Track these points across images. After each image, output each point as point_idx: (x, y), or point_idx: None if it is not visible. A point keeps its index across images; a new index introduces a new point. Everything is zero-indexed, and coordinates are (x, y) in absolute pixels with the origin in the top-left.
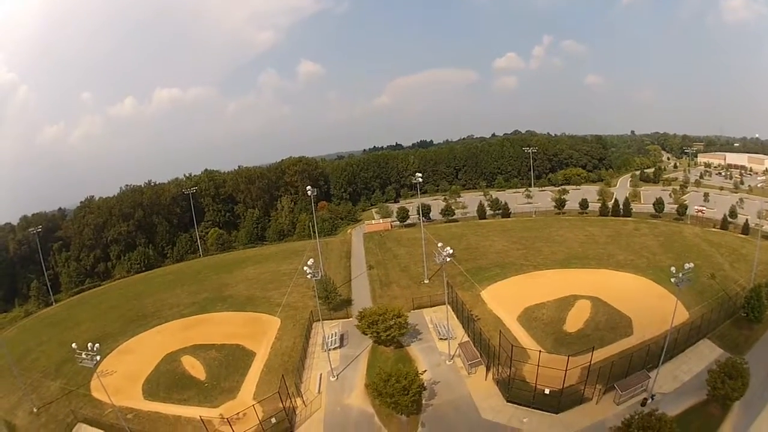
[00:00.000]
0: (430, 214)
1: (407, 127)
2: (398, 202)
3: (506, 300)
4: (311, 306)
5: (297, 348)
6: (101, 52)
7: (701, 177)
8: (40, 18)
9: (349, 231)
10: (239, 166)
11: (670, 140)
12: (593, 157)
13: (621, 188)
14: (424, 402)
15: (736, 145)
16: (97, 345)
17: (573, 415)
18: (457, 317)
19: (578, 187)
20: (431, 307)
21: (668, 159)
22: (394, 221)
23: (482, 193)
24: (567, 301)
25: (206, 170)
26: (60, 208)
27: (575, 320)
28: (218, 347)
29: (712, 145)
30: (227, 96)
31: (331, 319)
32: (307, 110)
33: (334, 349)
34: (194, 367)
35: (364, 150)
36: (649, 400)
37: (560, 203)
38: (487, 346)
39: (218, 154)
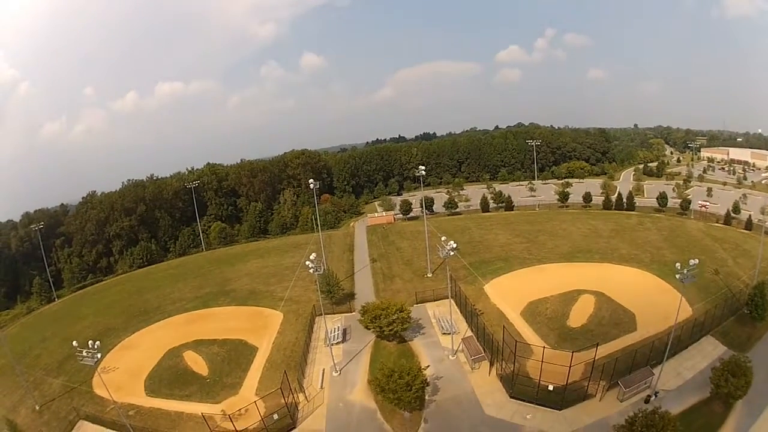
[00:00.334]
0: (434, 207)
1: (410, 120)
2: (401, 194)
3: (510, 294)
4: (314, 300)
5: (299, 343)
6: (102, 47)
7: (704, 172)
8: (40, 14)
9: (352, 224)
10: (242, 160)
11: (674, 134)
12: (596, 150)
13: (624, 182)
14: (427, 398)
15: (739, 140)
16: (97, 343)
17: (576, 412)
18: (461, 311)
19: (581, 180)
20: (434, 301)
21: (671, 153)
22: (397, 214)
23: (485, 186)
24: (571, 296)
25: (209, 164)
26: (62, 204)
27: (579, 315)
28: (220, 342)
29: (715, 139)
30: (230, 89)
31: (334, 314)
32: (309, 103)
33: (336, 343)
34: (196, 363)
35: (367, 142)
36: (653, 397)
37: (563, 196)
38: (491, 341)
39: (221, 147)
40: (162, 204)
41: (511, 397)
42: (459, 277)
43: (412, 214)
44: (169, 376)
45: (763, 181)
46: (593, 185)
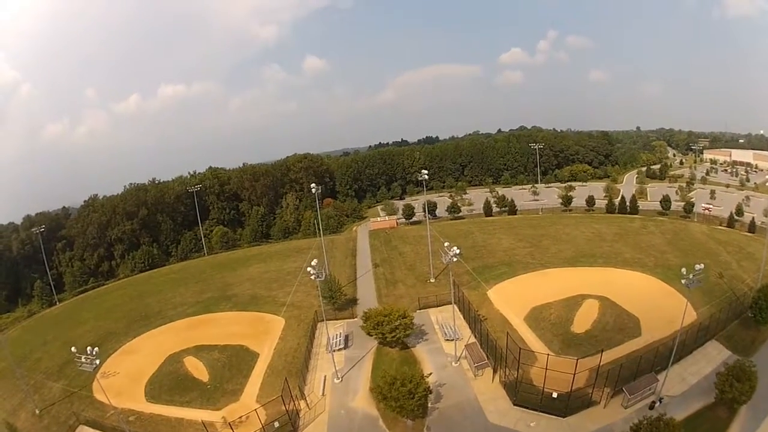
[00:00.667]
0: (436, 212)
1: (413, 123)
2: (404, 199)
3: (513, 299)
4: (316, 305)
5: (301, 349)
6: (104, 48)
7: (707, 174)
8: (41, 15)
9: (354, 228)
10: (244, 164)
11: (676, 136)
12: (599, 153)
13: (627, 185)
14: (429, 405)
15: (741, 141)
16: (96, 349)
17: (580, 419)
18: (464, 317)
19: (584, 183)
20: (437, 306)
21: (674, 155)
22: (400, 218)
23: (488, 190)
24: (574, 301)
25: (211, 168)
26: (64, 207)
27: (583, 321)
28: (221, 348)
29: (718, 141)
30: (231, 91)
31: (336, 320)
32: (311, 106)
33: (338, 350)
34: (197, 369)
35: (370, 146)
36: (657, 403)
37: (567, 200)
38: (494, 348)
39: (223, 149)
40: (164, 208)
41: (515, 405)
42: (462, 282)
43: (414, 219)
44: (170, 382)
45: (766, 183)
46: (596, 188)
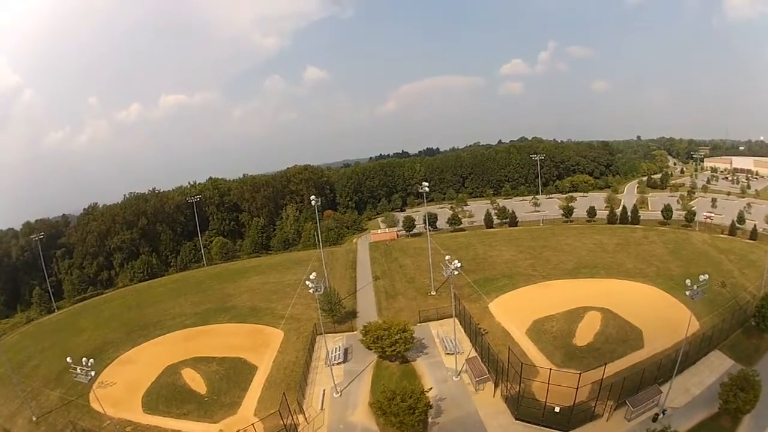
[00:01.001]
0: (437, 224)
1: (413, 135)
2: (404, 210)
3: (515, 312)
4: (315, 318)
5: (300, 362)
6: (107, 57)
7: (708, 182)
8: (45, 20)
9: (354, 240)
10: (244, 174)
11: (676, 145)
12: (600, 164)
13: (628, 195)
14: (430, 420)
15: (741, 148)
16: (91, 360)
17: None
18: (465, 330)
19: (585, 194)
20: (438, 320)
21: (674, 164)
22: (400, 230)
23: (489, 201)
24: (576, 313)
25: (211, 178)
26: (63, 215)
27: (585, 333)
28: (219, 360)
29: (718, 149)
30: (232, 102)
31: (335, 333)
32: (313, 117)
33: (337, 363)
34: (195, 380)
35: (371, 158)
36: (661, 416)
37: (568, 211)
38: (496, 362)
39: (223, 159)
40: (163, 218)
41: (516, 419)
42: (463, 295)
43: (415, 231)
44: (167, 393)
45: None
46: (597, 199)
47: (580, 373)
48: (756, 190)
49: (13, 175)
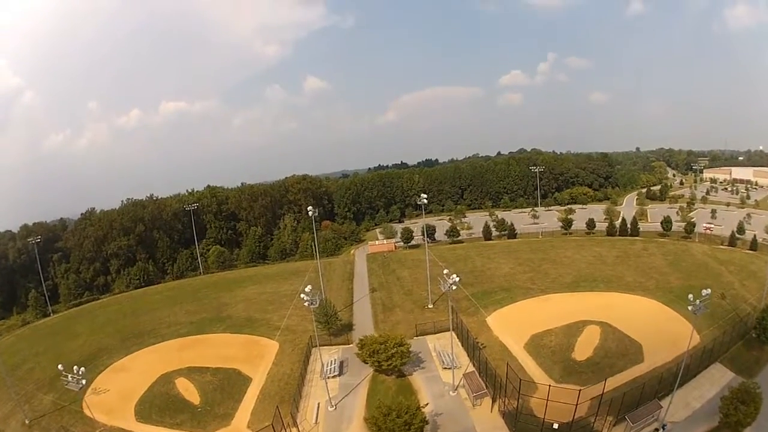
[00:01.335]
0: (435, 235)
1: (413, 146)
2: (402, 222)
3: (513, 326)
4: (311, 330)
5: (294, 375)
6: (108, 60)
7: (707, 193)
8: (46, 22)
9: (352, 251)
10: (242, 183)
11: (675, 156)
12: (599, 176)
13: (627, 206)
14: None
15: (740, 158)
16: (82, 369)
17: None
18: (462, 345)
19: (584, 206)
20: (435, 333)
21: (674, 175)
22: (398, 242)
23: (488, 213)
24: (575, 327)
25: (209, 186)
26: (61, 219)
27: (584, 347)
28: (213, 371)
29: (717, 159)
30: (233, 110)
31: (331, 345)
32: (312, 127)
33: (332, 377)
34: (188, 390)
35: (370, 168)
36: (660, 431)
37: (567, 223)
38: (494, 377)
39: (222, 168)
40: (161, 225)
41: None
42: (461, 308)
43: (413, 242)
44: (160, 403)
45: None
46: (596, 211)
47: (580, 390)
48: (756, 200)
49: (12, 177)
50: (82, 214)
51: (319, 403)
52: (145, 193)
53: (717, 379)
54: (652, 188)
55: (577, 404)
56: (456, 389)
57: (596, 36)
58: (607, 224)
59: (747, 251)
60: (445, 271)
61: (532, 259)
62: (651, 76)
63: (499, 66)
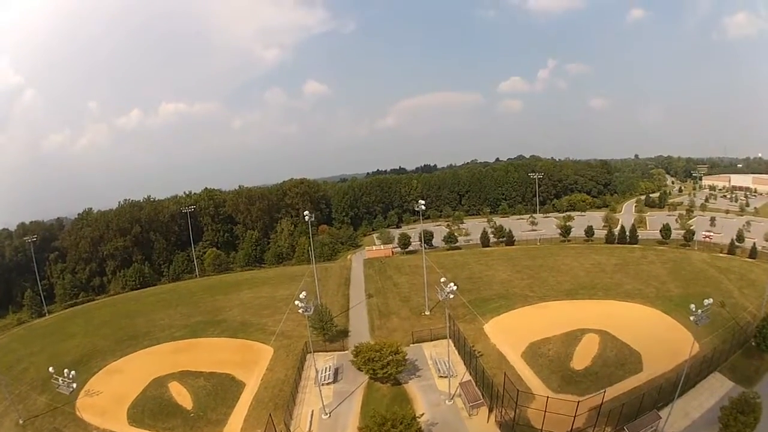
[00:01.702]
0: (433, 241)
1: (411, 151)
2: (400, 227)
3: (510, 334)
4: (306, 336)
5: (289, 381)
6: (109, 62)
7: (707, 200)
8: (48, 21)
9: (349, 256)
10: (240, 186)
11: (674, 163)
12: (598, 183)
13: (626, 214)
14: None
15: (739, 166)
16: (72, 372)
17: None
18: (459, 353)
19: (583, 213)
20: (432, 341)
21: (672, 183)
22: (396, 247)
23: (486, 219)
24: (574, 336)
25: (206, 189)
26: (58, 218)
27: (583, 356)
28: (207, 375)
29: (716, 167)
30: (233, 113)
31: (326, 351)
32: (311, 130)
33: (327, 384)
34: (181, 395)
35: (368, 173)
36: None
37: (565, 230)
38: (491, 386)
39: (220, 170)
40: (158, 226)
41: None
42: (458, 316)
43: (410, 248)
44: (153, 407)
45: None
46: (595, 218)
47: (578, 401)
48: (755, 207)
49: (12, 176)
50: (78, 214)
51: (312, 411)
52: (142, 195)
53: (716, 389)
54: (651, 195)
55: (575, 416)
56: (452, 398)
57: (596, 43)
58: (605, 231)
59: (746, 259)
60: (443, 280)
61: (531, 266)
62: (650, 84)
63: (498, 72)
